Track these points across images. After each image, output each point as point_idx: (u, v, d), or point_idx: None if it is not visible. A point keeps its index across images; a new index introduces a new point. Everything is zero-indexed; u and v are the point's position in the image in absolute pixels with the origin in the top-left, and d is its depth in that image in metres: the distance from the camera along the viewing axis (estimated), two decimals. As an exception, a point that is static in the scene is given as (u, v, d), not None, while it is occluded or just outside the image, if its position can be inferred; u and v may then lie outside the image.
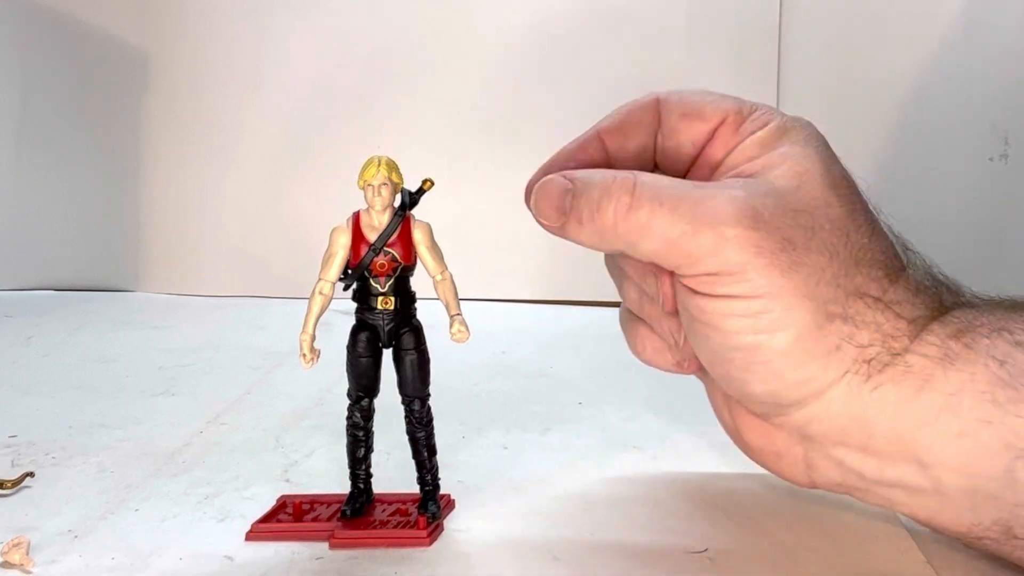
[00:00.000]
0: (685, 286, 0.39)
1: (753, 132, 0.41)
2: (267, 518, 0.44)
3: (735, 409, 0.42)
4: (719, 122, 0.42)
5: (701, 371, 0.44)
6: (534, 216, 0.41)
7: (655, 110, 0.43)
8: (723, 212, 0.37)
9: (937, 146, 0.91)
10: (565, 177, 0.40)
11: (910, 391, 0.37)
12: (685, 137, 0.43)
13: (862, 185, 0.41)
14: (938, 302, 0.39)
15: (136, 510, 0.47)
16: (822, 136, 0.41)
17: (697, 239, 0.37)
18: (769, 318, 0.37)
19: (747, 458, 0.44)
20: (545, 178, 0.41)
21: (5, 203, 1.06)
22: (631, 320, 0.45)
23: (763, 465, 0.43)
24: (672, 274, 0.40)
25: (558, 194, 0.40)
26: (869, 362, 0.38)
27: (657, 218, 0.38)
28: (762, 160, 0.40)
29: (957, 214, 0.90)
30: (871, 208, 0.40)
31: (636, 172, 0.40)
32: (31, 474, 0.50)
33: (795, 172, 0.39)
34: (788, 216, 0.38)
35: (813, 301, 0.37)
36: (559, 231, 0.41)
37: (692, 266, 0.38)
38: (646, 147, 0.43)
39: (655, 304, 0.43)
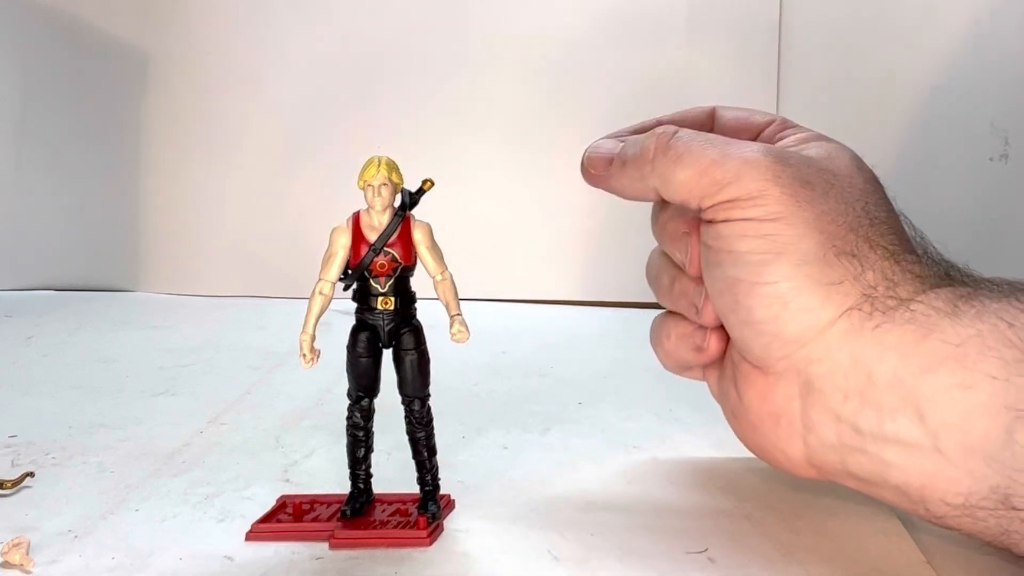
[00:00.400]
0: (707, 220, 0.42)
1: (795, 134, 0.46)
2: (267, 518, 0.44)
3: (739, 370, 0.42)
4: (765, 125, 0.47)
5: (716, 356, 0.45)
6: (584, 171, 0.47)
7: (711, 116, 0.49)
8: (749, 148, 0.42)
9: (937, 146, 0.91)
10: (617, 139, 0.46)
11: (913, 336, 0.37)
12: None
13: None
14: (948, 275, 0.40)
15: (136, 510, 0.47)
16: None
17: (724, 166, 0.41)
18: (778, 240, 0.39)
19: (746, 449, 0.44)
20: (600, 139, 0.47)
21: (5, 203, 1.06)
22: (659, 319, 0.48)
23: (762, 445, 0.42)
24: (698, 232, 0.43)
25: (608, 147, 0.46)
26: (873, 301, 0.38)
27: (691, 150, 0.42)
28: (798, 147, 0.44)
29: (957, 214, 0.90)
30: (893, 203, 0.43)
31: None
32: (31, 474, 0.50)
33: (826, 150, 0.43)
34: (811, 167, 0.41)
35: (823, 234, 0.39)
36: (605, 179, 0.46)
37: (717, 193, 0.41)
38: None
39: (683, 279, 0.45)
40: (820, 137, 0.45)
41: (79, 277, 1.05)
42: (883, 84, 0.92)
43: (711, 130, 0.48)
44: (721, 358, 0.45)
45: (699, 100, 0.97)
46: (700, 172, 0.41)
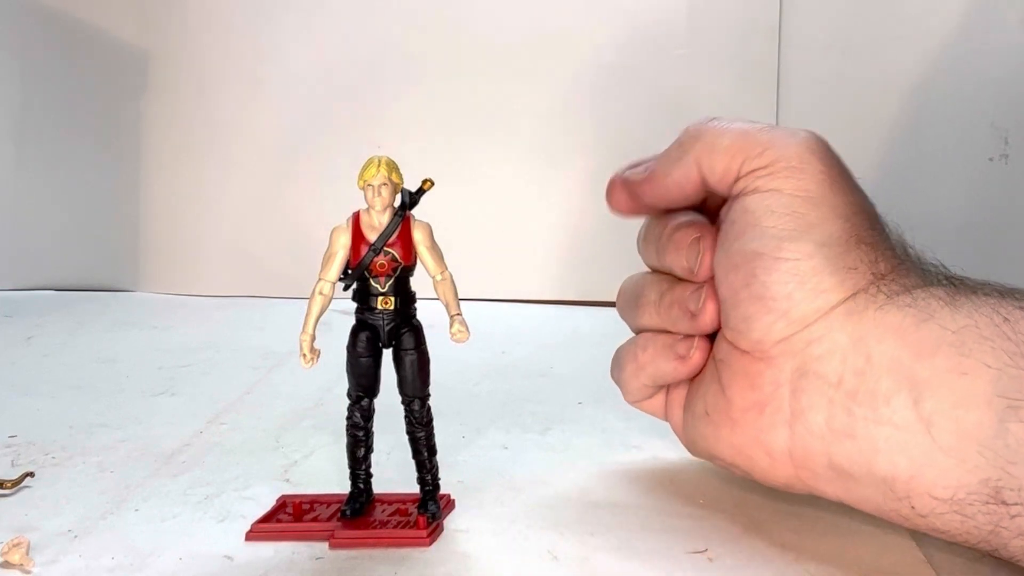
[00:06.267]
0: (737, 194, 0.42)
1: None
2: (267, 518, 0.44)
3: (726, 362, 0.42)
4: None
5: (698, 367, 0.44)
6: (617, 185, 0.47)
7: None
8: (796, 128, 0.43)
9: (937, 146, 0.91)
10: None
11: (913, 320, 0.38)
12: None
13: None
14: (947, 277, 0.41)
15: (136, 510, 0.47)
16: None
17: (772, 132, 0.42)
18: (805, 219, 0.40)
19: (721, 456, 0.43)
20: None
21: (5, 203, 1.06)
22: (629, 343, 0.48)
23: (740, 442, 0.41)
24: (712, 235, 0.43)
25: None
26: (879, 285, 0.39)
27: (734, 123, 0.43)
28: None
29: (957, 214, 0.90)
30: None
31: None
32: (31, 474, 0.50)
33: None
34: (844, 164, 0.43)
35: (848, 222, 0.40)
36: (643, 180, 0.45)
37: (759, 156, 0.41)
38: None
39: (678, 288, 0.45)
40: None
41: (79, 277, 1.05)
42: (883, 84, 0.92)
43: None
44: (696, 375, 0.45)
45: (699, 102, 0.98)
46: (744, 136, 0.42)
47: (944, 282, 0.40)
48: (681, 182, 0.44)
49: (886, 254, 0.40)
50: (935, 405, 0.36)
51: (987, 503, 0.35)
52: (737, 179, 0.42)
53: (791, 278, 0.40)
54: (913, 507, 0.37)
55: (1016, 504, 0.35)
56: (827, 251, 0.39)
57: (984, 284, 0.39)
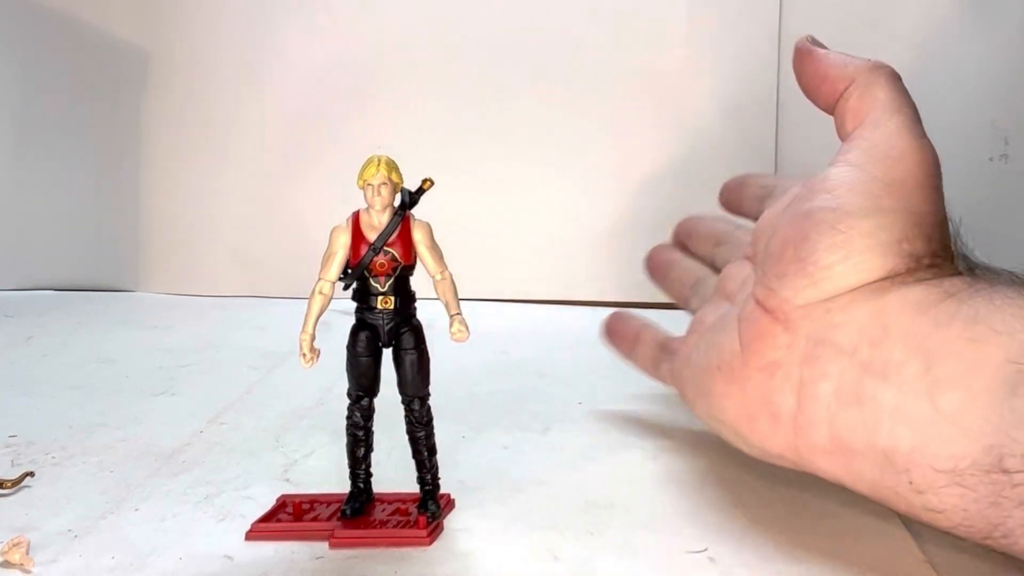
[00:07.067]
0: (840, 150, 0.44)
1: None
2: (267, 518, 0.44)
3: (747, 325, 0.41)
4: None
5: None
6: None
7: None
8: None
9: (937, 146, 0.91)
10: None
11: (934, 298, 0.38)
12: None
13: None
14: (971, 269, 0.41)
15: (136, 510, 0.47)
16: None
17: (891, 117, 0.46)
18: (878, 203, 0.41)
19: (723, 418, 0.42)
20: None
21: (5, 203, 1.06)
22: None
23: (746, 403, 0.41)
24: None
25: None
26: (914, 272, 0.39)
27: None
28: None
29: (957, 214, 0.89)
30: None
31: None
32: (31, 474, 0.50)
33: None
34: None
35: (915, 214, 0.41)
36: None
37: (866, 127, 0.44)
38: None
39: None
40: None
41: (79, 277, 1.05)
42: (883, 84, 0.92)
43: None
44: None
45: (698, 100, 0.98)
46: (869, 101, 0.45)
47: (977, 268, 0.41)
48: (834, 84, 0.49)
49: (935, 247, 0.40)
50: (943, 372, 0.36)
51: (989, 472, 0.34)
52: (843, 136, 0.44)
53: (840, 251, 0.39)
54: (911, 482, 0.36)
55: (1019, 472, 0.34)
56: (884, 235, 0.39)
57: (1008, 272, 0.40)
